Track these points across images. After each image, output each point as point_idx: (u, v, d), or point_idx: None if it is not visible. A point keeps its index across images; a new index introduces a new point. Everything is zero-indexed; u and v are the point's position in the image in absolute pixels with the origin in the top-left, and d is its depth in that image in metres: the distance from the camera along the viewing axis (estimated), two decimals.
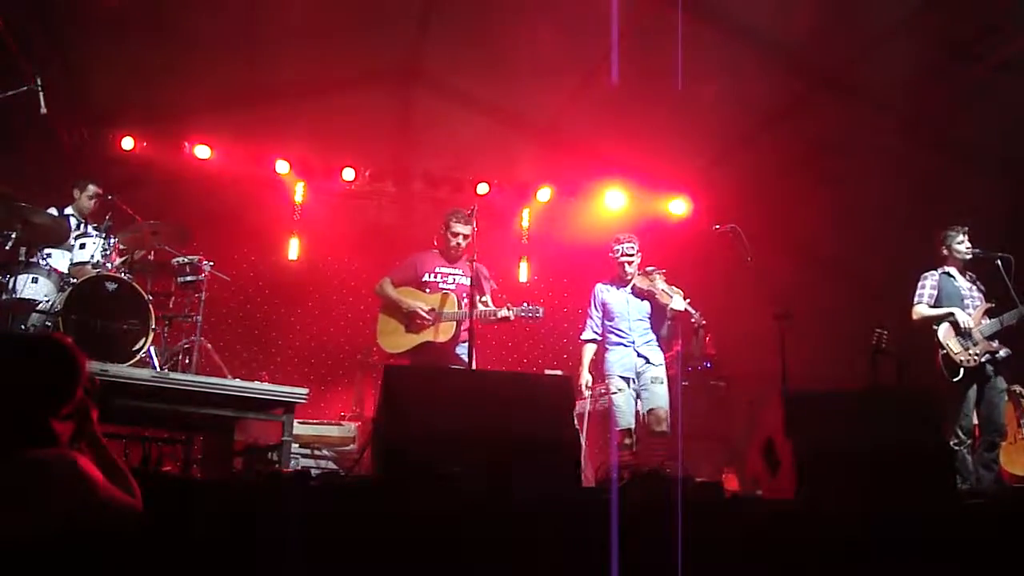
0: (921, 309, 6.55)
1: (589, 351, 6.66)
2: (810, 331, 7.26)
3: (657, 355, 6.39)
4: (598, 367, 6.62)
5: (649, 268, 6.46)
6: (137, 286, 6.46)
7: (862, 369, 6.62)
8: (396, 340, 6.40)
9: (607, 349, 6.54)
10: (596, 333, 6.63)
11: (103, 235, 6.75)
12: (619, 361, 6.43)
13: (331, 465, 6.76)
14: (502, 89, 8.89)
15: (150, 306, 6.44)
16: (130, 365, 5.90)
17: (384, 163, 10.33)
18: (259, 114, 9.06)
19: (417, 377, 4.97)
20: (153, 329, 6.40)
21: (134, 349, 6.24)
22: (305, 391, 5.60)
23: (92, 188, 7.29)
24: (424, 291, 6.42)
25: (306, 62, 8.29)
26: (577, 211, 10.78)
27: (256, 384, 5.73)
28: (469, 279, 6.37)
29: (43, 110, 6.14)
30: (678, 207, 10.79)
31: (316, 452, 6.85)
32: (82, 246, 6.70)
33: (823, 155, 9.21)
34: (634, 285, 6.49)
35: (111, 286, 6.33)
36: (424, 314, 6.24)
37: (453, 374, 5.75)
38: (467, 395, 4.48)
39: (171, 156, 9.65)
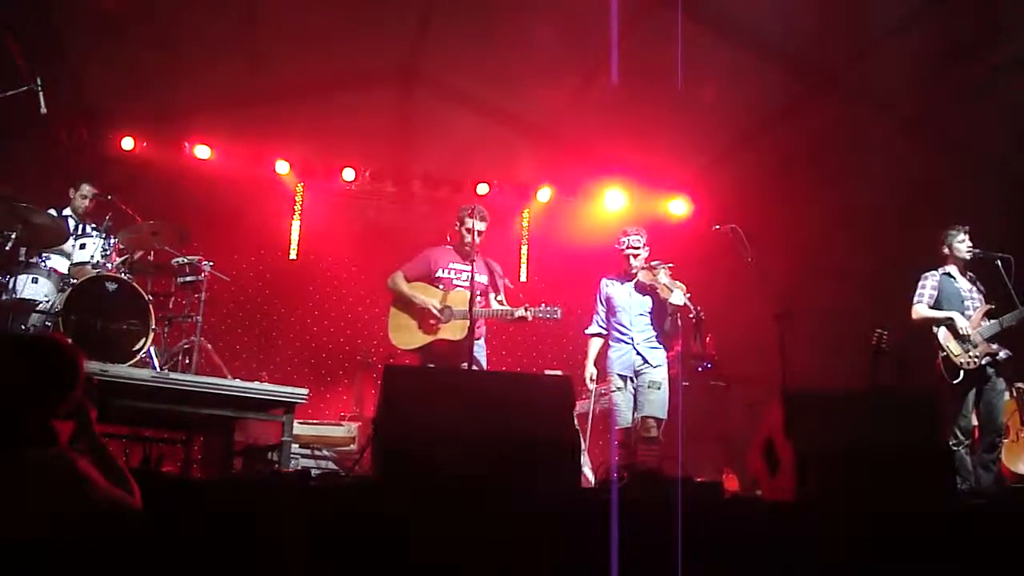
0: (921, 309, 6.55)
1: (594, 345, 6.62)
2: (810, 331, 7.26)
3: (657, 355, 6.32)
4: (602, 364, 6.58)
5: (654, 262, 6.38)
6: (137, 286, 6.47)
7: (862, 369, 6.61)
8: (409, 336, 6.30)
9: (610, 346, 6.51)
10: (601, 327, 6.59)
11: (103, 235, 6.76)
12: (619, 359, 6.39)
13: (331, 465, 6.75)
14: (502, 89, 8.89)
15: (150, 306, 6.44)
16: (130, 365, 5.90)
17: (384, 163, 10.34)
18: (259, 114, 9.07)
19: (417, 377, 4.98)
20: (153, 329, 6.41)
21: (134, 349, 6.24)
22: (305, 391, 5.60)
23: (86, 188, 7.29)
24: (437, 287, 6.34)
25: (306, 62, 8.29)
26: (577, 211, 10.79)
27: (256, 384, 5.72)
28: (483, 276, 6.37)
29: (43, 110, 6.15)
30: (678, 207, 10.79)
31: (316, 452, 6.84)
32: (82, 246, 6.70)
33: (823, 155, 9.21)
34: (638, 280, 6.44)
35: (111, 286, 6.33)
36: (436, 313, 6.20)
37: (453, 374, 5.73)
38: (467, 395, 4.48)
39: (171, 156, 9.66)
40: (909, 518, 4.16)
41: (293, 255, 10.29)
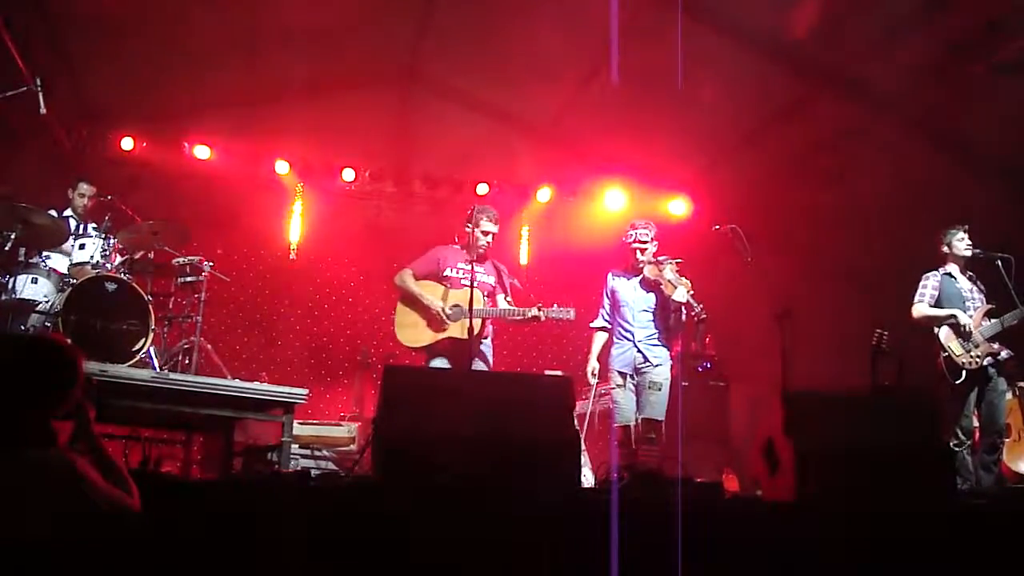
0: (922, 308, 6.54)
1: (598, 339, 6.56)
2: (810, 331, 7.25)
3: (658, 353, 6.25)
4: (605, 361, 6.53)
5: (662, 257, 6.29)
6: (137, 286, 6.46)
7: (862, 369, 6.60)
8: (417, 334, 6.25)
9: (613, 342, 6.47)
10: (606, 321, 6.53)
11: (103, 235, 6.75)
12: (620, 356, 6.33)
13: (331, 466, 6.75)
14: (502, 89, 8.90)
15: (150, 306, 6.44)
16: (130, 365, 5.90)
17: (384, 163, 10.33)
18: (259, 114, 9.07)
19: (417, 378, 4.97)
20: (153, 329, 6.41)
21: (134, 349, 6.24)
22: (304, 392, 5.60)
23: (84, 186, 7.28)
24: (445, 286, 6.31)
25: (306, 62, 8.30)
26: (577, 211, 10.78)
27: (255, 384, 5.72)
28: (491, 277, 6.36)
29: (43, 110, 6.15)
30: (678, 207, 10.78)
31: (316, 452, 6.83)
32: (82, 246, 6.70)
33: (823, 155, 9.20)
34: (643, 275, 6.36)
35: (111, 286, 6.33)
36: (447, 311, 6.15)
37: (453, 375, 5.73)
38: (467, 395, 4.48)
39: (171, 156, 9.65)
40: (909, 518, 4.16)
41: (293, 255, 10.28)
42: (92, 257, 6.61)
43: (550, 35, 7.88)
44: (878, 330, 6.57)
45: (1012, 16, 7.01)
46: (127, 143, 9.47)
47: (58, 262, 6.59)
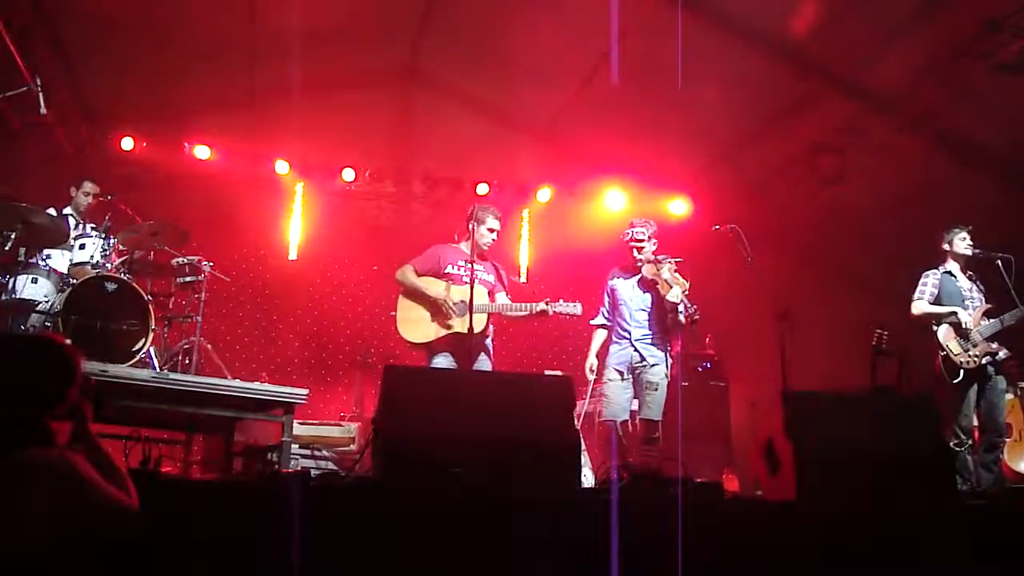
0: (922, 305, 6.54)
1: (598, 337, 6.57)
2: (810, 331, 7.26)
3: (655, 353, 6.25)
4: (603, 359, 6.54)
5: (661, 256, 6.30)
6: (137, 286, 6.46)
7: (863, 369, 6.61)
8: (420, 329, 6.20)
9: (612, 341, 6.48)
10: (605, 319, 6.55)
11: (103, 235, 6.75)
12: (616, 354, 6.36)
13: (331, 466, 6.75)
14: (502, 89, 8.89)
15: (150, 306, 6.44)
16: (130, 365, 5.90)
17: (384, 163, 10.33)
18: (259, 114, 9.07)
19: (417, 377, 4.97)
20: (153, 329, 6.40)
21: (134, 349, 6.24)
22: (305, 391, 5.59)
23: (88, 185, 7.29)
24: (447, 283, 6.27)
25: (306, 62, 8.28)
26: (577, 211, 10.78)
27: (256, 384, 5.71)
28: (490, 275, 6.37)
29: (43, 110, 6.16)
30: (678, 207, 10.78)
31: (316, 453, 6.83)
32: (82, 246, 6.70)
33: (824, 154, 9.21)
34: (641, 275, 6.37)
35: (111, 286, 6.32)
36: (451, 306, 6.15)
37: (453, 374, 5.72)
38: (467, 395, 4.48)
39: (171, 156, 9.65)
40: (909, 518, 4.16)
41: (293, 255, 10.29)
42: (92, 257, 6.61)
43: (550, 34, 7.88)
44: (878, 330, 6.57)
45: (1012, 16, 7.01)
46: (127, 143, 9.47)
47: (58, 262, 6.59)
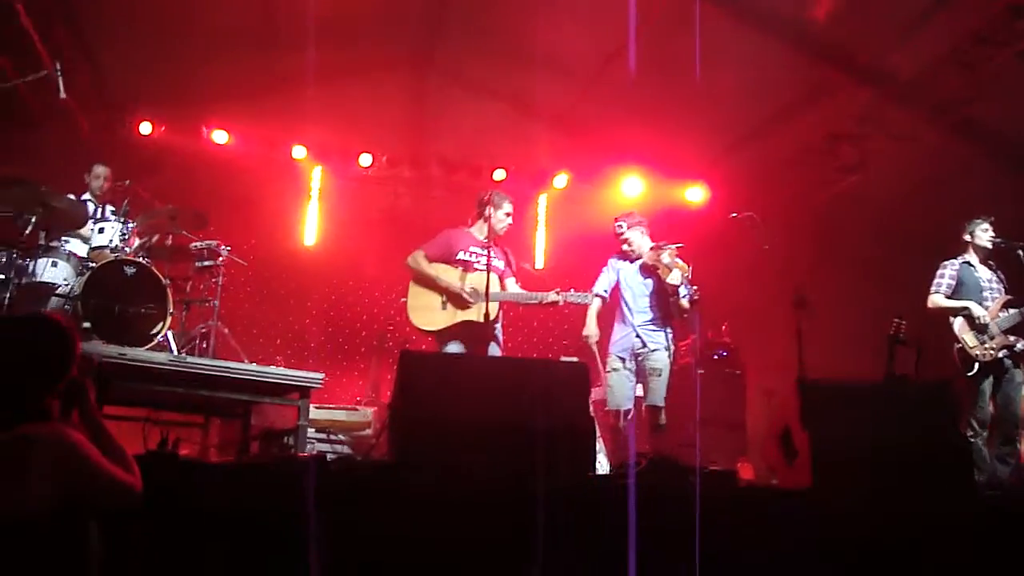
0: (937, 299, 6.50)
1: (595, 304, 6.51)
2: (828, 320, 7.22)
3: (656, 337, 6.28)
4: (605, 347, 6.56)
5: (662, 243, 6.34)
6: (155, 270, 6.49)
7: (880, 358, 6.57)
8: (432, 316, 6.19)
9: (615, 327, 6.52)
10: (604, 290, 6.56)
11: (121, 220, 6.77)
12: (619, 340, 6.41)
13: (347, 450, 6.78)
14: (519, 76, 8.86)
15: (168, 290, 6.46)
16: (148, 349, 5.92)
17: (401, 149, 10.35)
18: (276, 100, 9.08)
19: (433, 363, 4.98)
20: (171, 313, 6.42)
21: (152, 333, 6.26)
22: (321, 376, 5.62)
23: (98, 168, 7.31)
24: (457, 269, 6.28)
25: (323, 48, 8.27)
26: (594, 198, 10.75)
27: (272, 369, 5.73)
28: (500, 261, 6.36)
29: (62, 95, 6.18)
30: (695, 194, 10.75)
31: (332, 437, 6.86)
32: (101, 230, 6.72)
33: (842, 143, 9.15)
34: (643, 261, 6.44)
35: (130, 270, 6.35)
36: (466, 295, 6.15)
37: (469, 360, 5.73)
38: (483, 381, 4.49)
39: (189, 141, 9.71)
40: (926, 507, 4.14)
41: (310, 240, 10.32)
42: (111, 241, 6.64)
43: (568, 22, 7.85)
44: (896, 319, 6.53)
45: None
46: (145, 127, 9.52)
47: (77, 246, 6.62)
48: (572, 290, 6.25)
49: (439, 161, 10.47)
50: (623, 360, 6.33)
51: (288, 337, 10.21)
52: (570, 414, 4.41)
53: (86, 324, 5.89)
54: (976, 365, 6.20)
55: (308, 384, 5.53)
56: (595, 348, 6.52)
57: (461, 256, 6.31)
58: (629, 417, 6.23)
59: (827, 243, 9.64)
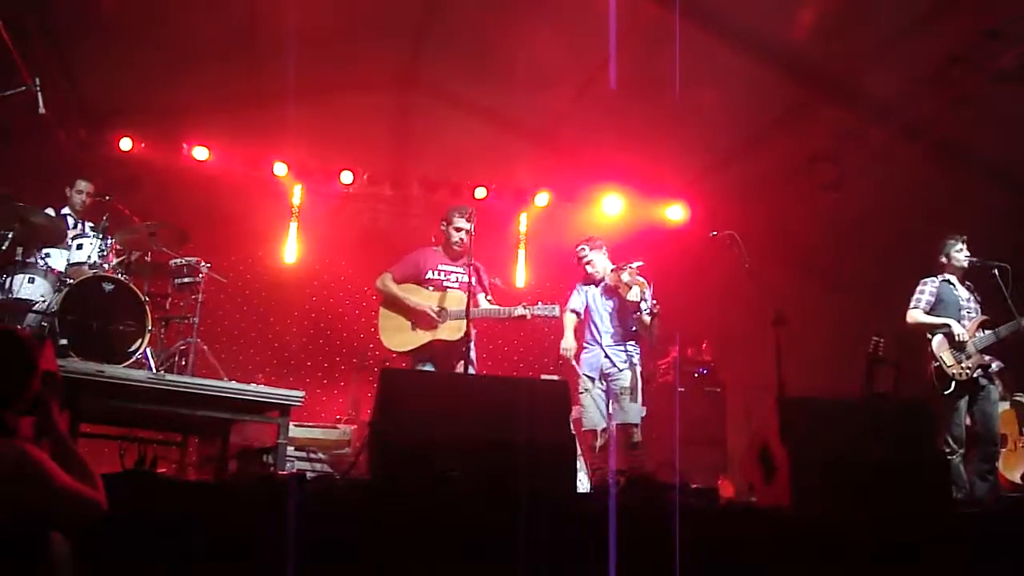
0: (917, 315, 6.52)
1: (569, 318, 6.58)
2: (807, 338, 7.26)
3: (622, 356, 6.35)
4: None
5: (623, 264, 6.45)
6: (134, 287, 6.45)
7: (859, 377, 6.61)
8: (401, 337, 6.28)
9: (584, 348, 6.59)
10: (578, 306, 6.63)
11: (100, 236, 6.73)
12: (587, 361, 6.49)
13: (326, 468, 6.74)
14: (500, 94, 8.90)
15: (147, 307, 6.43)
16: (126, 366, 5.88)
17: (382, 166, 10.34)
18: (257, 116, 9.05)
19: (413, 380, 4.98)
20: (149, 330, 6.39)
21: (130, 350, 6.22)
22: (301, 394, 5.59)
23: (82, 183, 7.28)
24: (427, 288, 6.34)
25: (305, 65, 8.27)
26: (575, 216, 10.77)
27: (252, 386, 5.71)
28: (471, 278, 6.36)
29: (41, 110, 6.15)
30: (676, 213, 10.79)
31: (312, 455, 6.82)
32: (79, 246, 6.69)
33: (822, 162, 9.22)
34: (605, 283, 6.55)
35: (108, 287, 6.31)
36: (433, 314, 6.18)
37: (449, 377, 5.73)
38: (463, 399, 4.49)
39: (169, 157, 9.65)
40: (904, 524, 4.16)
41: (290, 257, 10.29)
42: (89, 257, 6.60)
43: (549, 41, 7.88)
44: (875, 337, 6.58)
45: (1011, 24, 7.03)
46: (125, 143, 9.47)
47: (56, 261, 6.58)
48: (540, 303, 6.30)
49: (420, 179, 10.46)
50: (592, 380, 6.41)
51: (268, 355, 10.14)
52: (552, 432, 4.41)
53: (63, 341, 5.85)
54: (953, 384, 6.23)
55: (288, 402, 5.50)
56: (575, 362, 6.56)
57: (430, 275, 6.37)
58: (606, 436, 6.25)
59: (807, 261, 9.70)
